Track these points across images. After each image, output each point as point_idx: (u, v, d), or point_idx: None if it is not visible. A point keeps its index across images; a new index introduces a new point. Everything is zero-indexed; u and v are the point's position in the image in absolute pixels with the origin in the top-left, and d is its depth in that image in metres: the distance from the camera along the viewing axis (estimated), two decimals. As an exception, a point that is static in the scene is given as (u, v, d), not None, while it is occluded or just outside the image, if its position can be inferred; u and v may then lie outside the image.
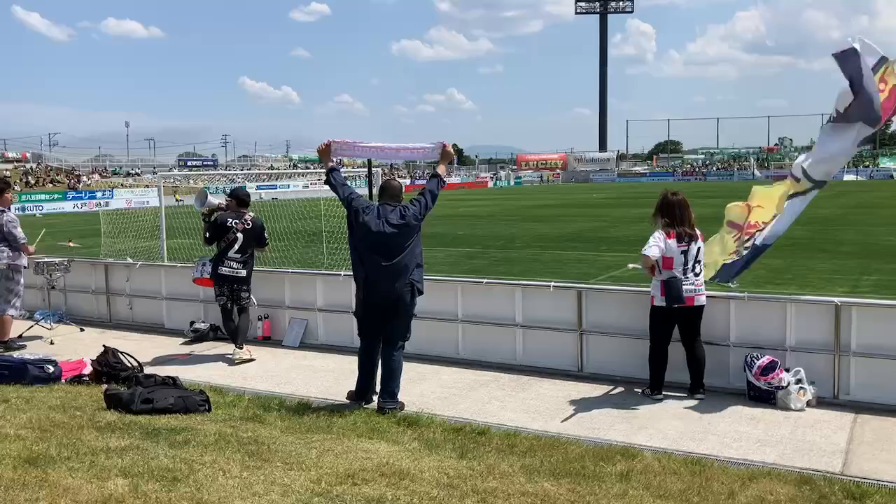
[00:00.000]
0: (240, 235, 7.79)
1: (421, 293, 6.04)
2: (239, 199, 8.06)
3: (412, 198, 6.07)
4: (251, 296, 8.12)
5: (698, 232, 6.13)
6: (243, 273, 7.87)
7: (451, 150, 6.32)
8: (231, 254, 7.79)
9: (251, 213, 8.06)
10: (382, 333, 6.08)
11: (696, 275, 6.04)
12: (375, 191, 7.01)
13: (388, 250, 5.83)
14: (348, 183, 6.26)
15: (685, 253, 6.00)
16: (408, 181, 60.71)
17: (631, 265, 6.06)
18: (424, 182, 6.48)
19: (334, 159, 6.44)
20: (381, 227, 5.84)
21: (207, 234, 7.94)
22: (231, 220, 7.86)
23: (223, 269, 7.81)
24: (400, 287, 5.87)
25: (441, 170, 6.22)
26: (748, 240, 6.25)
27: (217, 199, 8.41)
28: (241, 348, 7.84)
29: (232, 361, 7.69)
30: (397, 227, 5.85)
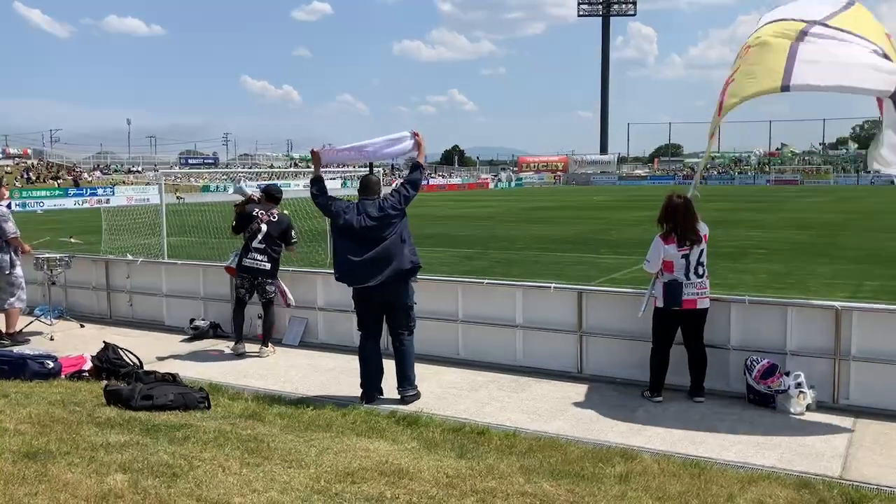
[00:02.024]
0: (264, 227, 7.84)
1: (420, 267, 6.22)
2: (269, 194, 8.17)
3: (392, 189, 6.32)
4: (289, 293, 8.20)
5: (702, 233, 6.11)
6: (267, 266, 7.87)
7: (422, 140, 6.48)
8: (255, 244, 7.84)
9: (278, 209, 8.12)
10: (379, 328, 6.34)
11: (700, 276, 6.03)
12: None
13: (370, 242, 6.02)
14: (326, 191, 6.41)
15: (686, 257, 6.01)
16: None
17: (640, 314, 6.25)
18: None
19: (325, 166, 6.67)
20: (364, 222, 6.05)
21: (234, 223, 8.06)
22: (257, 210, 7.94)
23: (246, 261, 7.87)
24: (387, 274, 6.00)
25: (421, 159, 6.53)
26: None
27: (250, 190, 8.63)
28: (268, 346, 7.96)
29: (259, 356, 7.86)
30: (377, 220, 6.06)
